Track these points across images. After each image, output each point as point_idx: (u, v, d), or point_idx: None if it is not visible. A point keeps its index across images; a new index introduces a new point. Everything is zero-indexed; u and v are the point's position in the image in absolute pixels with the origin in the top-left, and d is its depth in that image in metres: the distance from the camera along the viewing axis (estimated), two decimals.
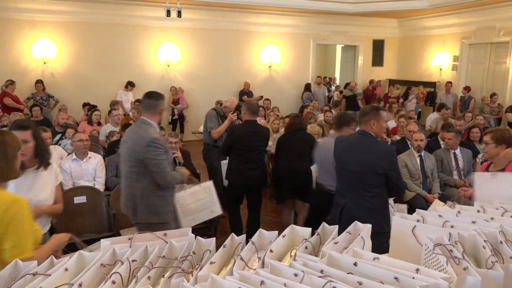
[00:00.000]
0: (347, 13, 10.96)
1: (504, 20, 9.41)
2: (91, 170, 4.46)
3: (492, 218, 1.89)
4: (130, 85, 9.86)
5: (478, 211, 2.04)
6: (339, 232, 1.67)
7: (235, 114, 5.15)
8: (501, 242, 1.63)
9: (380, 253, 1.55)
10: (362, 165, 2.99)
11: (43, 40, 9.37)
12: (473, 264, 1.48)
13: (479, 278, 1.36)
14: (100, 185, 4.45)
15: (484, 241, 1.61)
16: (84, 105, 8.66)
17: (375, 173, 2.97)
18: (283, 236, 1.68)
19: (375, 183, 3.00)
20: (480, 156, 5.14)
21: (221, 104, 5.37)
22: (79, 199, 3.95)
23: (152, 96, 3.11)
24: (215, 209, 3.72)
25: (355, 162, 3.02)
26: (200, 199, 3.64)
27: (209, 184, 3.75)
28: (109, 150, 5.25)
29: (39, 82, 9.00)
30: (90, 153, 4.55)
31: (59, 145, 5.59)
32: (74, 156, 4.43)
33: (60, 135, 6.03)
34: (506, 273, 1.45)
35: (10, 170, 1.94)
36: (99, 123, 6.93)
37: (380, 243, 2.11)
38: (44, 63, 9.42)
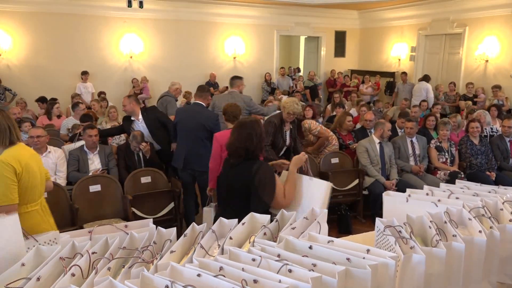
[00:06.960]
0: (310, 5, 11.06)
1: (457, 12, 9.78)
2: (52, 165, 4.34)
3: (439, 200, 2.02)
4: (84, 74, 9.45)
5: (427, 194, 2.16)
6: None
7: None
8: (445, 222, 1.75)
9: None
10: (197, 124, 4.27)
11: None
12: (420, 243, 1.58)
13: (423, 256, 1.46)
14: (61, 180, 4.34)
15: (430, 221, 1.72)
16: (38, 100, 8.15)
17: (204, 129, 4.26)
18: (243, 224, 1.73)
19: (205, 136, 4.25)
20: (433, 141, 5.41)
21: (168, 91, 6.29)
22: None
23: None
24: None
25: (193, 122, 4.28)
26: None
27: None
28: None
29: None
30: (50, 147, 4.42)
31: None
32: None
33: None
34: (448, 250, 1.56)
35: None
36: (59, 116, 6.71)
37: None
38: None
